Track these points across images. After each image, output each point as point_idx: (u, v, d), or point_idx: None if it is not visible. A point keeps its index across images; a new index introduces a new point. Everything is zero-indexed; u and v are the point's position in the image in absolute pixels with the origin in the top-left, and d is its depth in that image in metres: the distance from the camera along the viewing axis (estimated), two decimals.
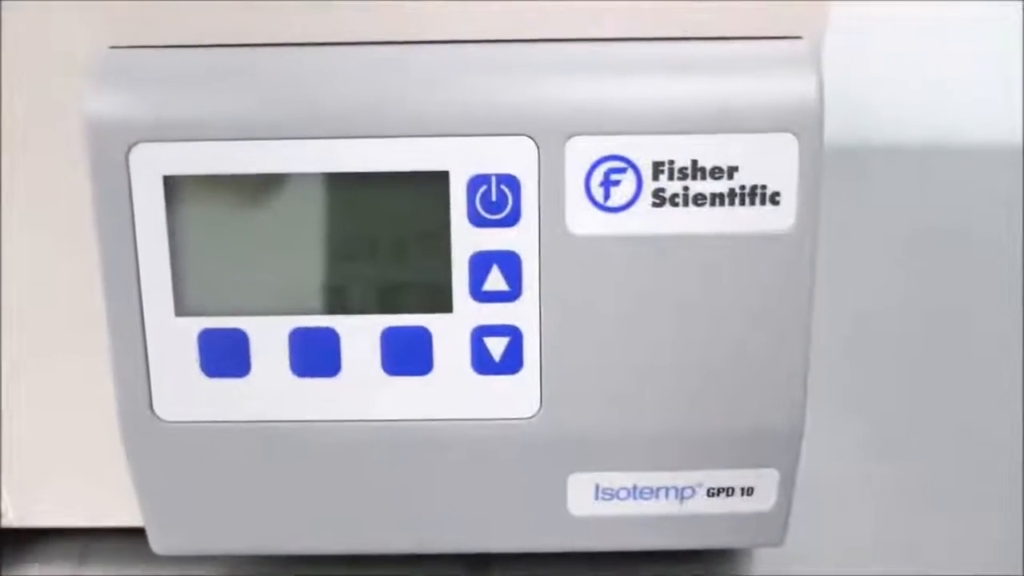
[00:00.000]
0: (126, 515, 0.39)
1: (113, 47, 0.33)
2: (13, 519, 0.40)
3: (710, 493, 0.35)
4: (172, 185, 0.33)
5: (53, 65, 0.33)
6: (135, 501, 0.36)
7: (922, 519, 0.42)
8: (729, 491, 0.35)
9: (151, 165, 0.33)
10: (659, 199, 0.32)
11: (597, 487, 0.35)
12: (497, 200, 0.33)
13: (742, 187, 0.32)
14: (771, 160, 0.32)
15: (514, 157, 0.32)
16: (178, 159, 0.32)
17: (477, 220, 0.33)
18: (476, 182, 0.32)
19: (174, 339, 0.34)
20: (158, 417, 0.34)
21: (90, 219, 0.33)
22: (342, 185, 0.33)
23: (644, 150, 0.32)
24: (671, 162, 0.32)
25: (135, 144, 0.32)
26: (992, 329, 0.56)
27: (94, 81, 0.33)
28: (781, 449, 0.35)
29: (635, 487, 0.35)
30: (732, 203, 0.32)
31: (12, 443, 0.38)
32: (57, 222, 0.35)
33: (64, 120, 0.34)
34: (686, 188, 0.32)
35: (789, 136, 0.32)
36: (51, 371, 0.37)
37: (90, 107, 0.32)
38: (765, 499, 0.35)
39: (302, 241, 0.33)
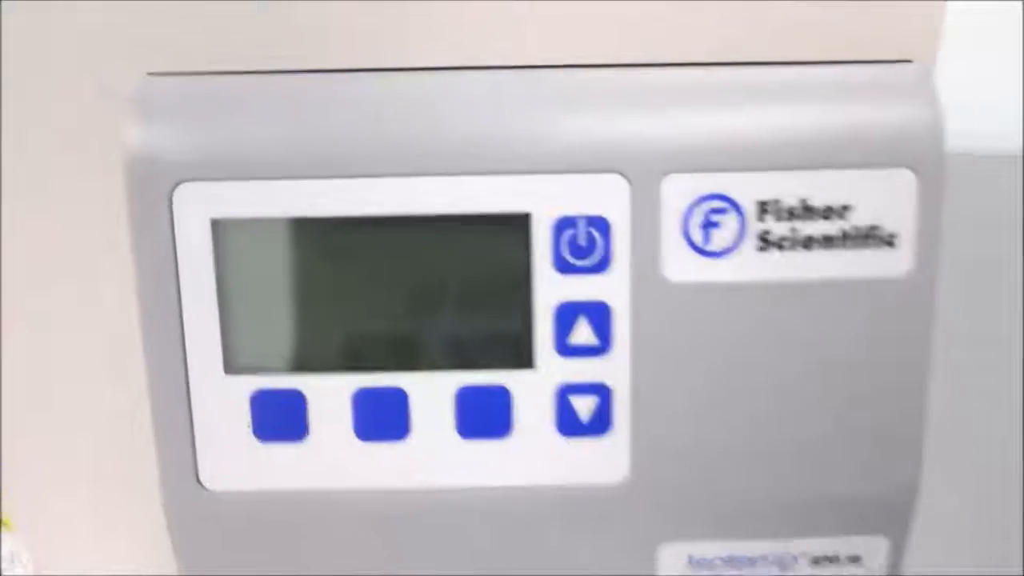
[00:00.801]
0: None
1: (152, 73, 0.30)
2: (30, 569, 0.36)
3: (814, 562, 0.32)
4: (221, 228, 0.29)
5: (88, 93, 0.30)
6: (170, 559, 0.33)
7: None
8: (834, 559, 0.32)
9: (197, 206, 0.29)
10: (764, 242, 0.29)
11: (690, 557, 0.32)
12: (585, 244, 0.29)
13: (856, 228, 0.29)
14: (888, 198, 0.29)
15: (604, 197, 0.29)
16: (228, 200, 0.29)
17: (563, 266, 0.29)
18: (562, 224, 0.29)
19: (223, 400, 0.30)
20: (204, 487, 0.31)
21: (128, 263, 0.30)
22: (411, 228, 0.29)
23: (748, 188, 0.29)
24: (778, 201, 0.29)
25: (180, 183, 0.29)
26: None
27: (134, 112, 0.29)
28: (892, 515, 0.31)
29: (731, 557, 0.32)
30: (844, 246, 0.29)
31: (31, 487, 0.35)
32: (88, 261, 0.31)
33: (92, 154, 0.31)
34: (794, 229, 0.29)
35: (908, 172, 0.29)
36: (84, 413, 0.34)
37: (130, 141, 0.29)
38: (872, 568, 0.32)
39: (366, 291, 0.30)
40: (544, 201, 0.29)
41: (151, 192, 0.29)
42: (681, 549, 0.32)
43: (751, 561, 0.32)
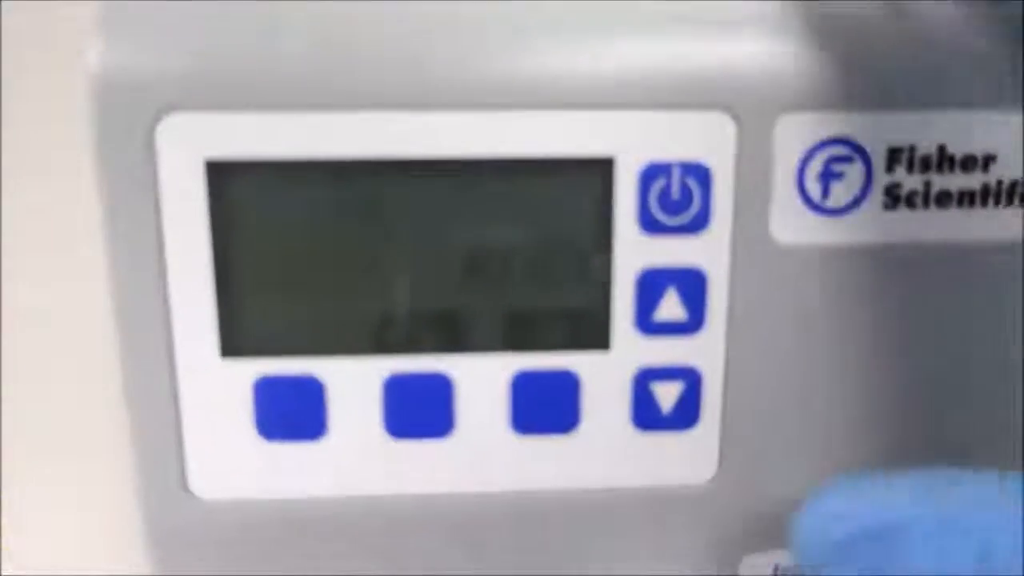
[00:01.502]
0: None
1: None
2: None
3: None
4: (218, 173, 0.23)
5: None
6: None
7: None
8: None
9: (187, 144, 0.23)
10: (892, 197, 0.24)
11: (776, 568, 0.27)
12: (679, 197, 0.24)
13: (999, 182, 0.24)
14: None
15: (704, 140, 0.23)
16: (227, 136, 0.23)
17: (650, 225, 0.24)
18: (651, 172, 0.24)
19: (219, 389, 0.24)
20: (195, 495, 0.25)
21: (95, 218, 0.23)
22: (461, 175, 0.23)
23: (878, 132, 0.24)
24: (912, 148, 0.24)
25: (164, 113, 0.22)
26: None
27: (102, 20, 0.22)
28: None
29: None
30: (985, 203, 0.24)
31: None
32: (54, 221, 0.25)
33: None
34: (928, 183, 0.24)
35: None
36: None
37: (96, 59, 0.22)
38: None
39: (401, 253, 0.24)
40: (630, 143, 0.23)
41: (126, 126, 0.22)
42: (765, 561, 0.27)
43: None
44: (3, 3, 0.25)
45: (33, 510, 0.30)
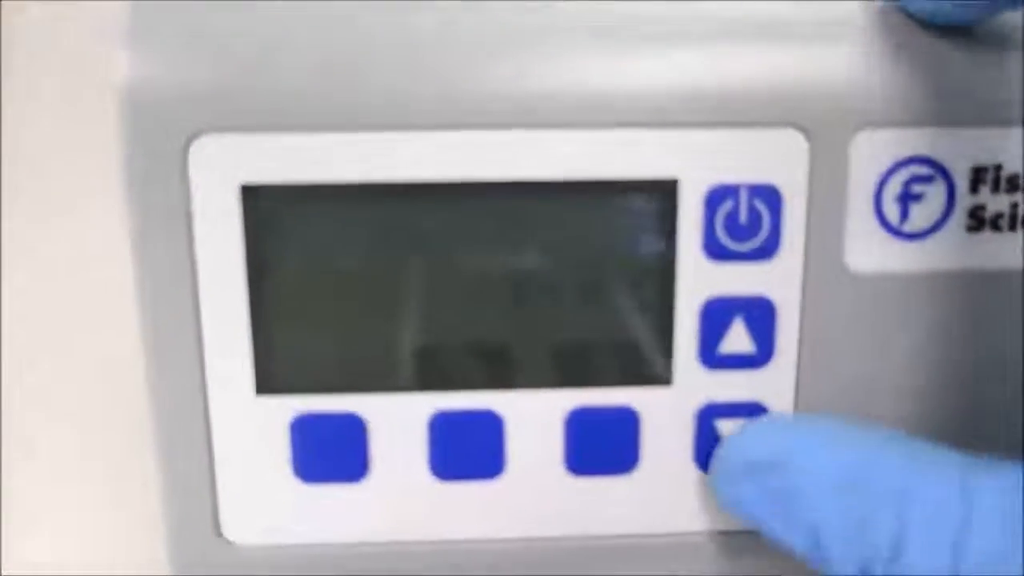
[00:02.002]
0: None
1: None
2: None
3: None
4: (254, 197, 0.21)
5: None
6: None
7: None
8: None
9: (222, 167, 0.21)
10: (977, 220, 0.22)
11: None
12: (747, 222, 0.22)
13: None
14: None
15: (774, 160, 0.22)
16: (263, 159, 0.21)
17: (716, 251, 0.22)
18: (717, 196, 0.22)
19: (254, 429, 0.23)
20: (228, 540, 0.23)
21: (124, 246, 0.22)
22: (509, 199, 0.22)
23: (961, 149, 0.22)
24: (998, 167, 0.22)
25: (197, 135, 0.21)
26: None
27: (130, 38, 0.21)
28: None
29: None
30: None
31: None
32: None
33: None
34: (1014, 205, 0.22)
35: None
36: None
37: (125, 79, 0.21)
38: None
39: (447, 282, 0.22)
40: (695, 164, 0.22)
41: (158, 148, 0.21)
42: None
43: None
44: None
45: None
